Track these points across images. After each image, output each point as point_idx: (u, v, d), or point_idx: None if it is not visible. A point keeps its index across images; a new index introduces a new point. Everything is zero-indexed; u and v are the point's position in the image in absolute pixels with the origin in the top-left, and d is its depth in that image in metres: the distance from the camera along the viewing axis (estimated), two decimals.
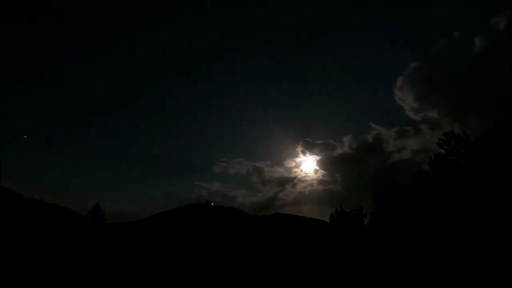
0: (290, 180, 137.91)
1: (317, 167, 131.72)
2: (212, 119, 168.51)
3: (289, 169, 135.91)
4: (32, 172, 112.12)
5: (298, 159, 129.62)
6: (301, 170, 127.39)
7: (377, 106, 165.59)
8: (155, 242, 32.43)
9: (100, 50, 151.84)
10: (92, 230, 30.83)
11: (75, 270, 19.20)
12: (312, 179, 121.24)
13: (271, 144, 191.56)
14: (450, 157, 16.52)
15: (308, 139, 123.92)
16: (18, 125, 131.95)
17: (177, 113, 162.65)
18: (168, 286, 20.01)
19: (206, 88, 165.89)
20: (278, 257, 26.76)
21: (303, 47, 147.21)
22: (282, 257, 26.40)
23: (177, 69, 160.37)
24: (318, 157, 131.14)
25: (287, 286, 20.03)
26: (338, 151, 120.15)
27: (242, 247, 29.88)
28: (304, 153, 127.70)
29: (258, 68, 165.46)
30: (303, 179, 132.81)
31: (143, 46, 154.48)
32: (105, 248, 26.57)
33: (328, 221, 26.85)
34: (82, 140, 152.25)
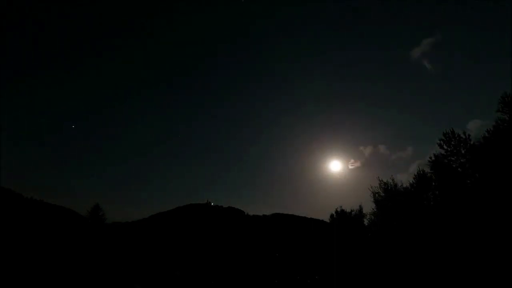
0: None
1: None
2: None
3: None
4: (31, 171, 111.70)
5: None
6: None
7: None
8: (155, 242, 32.43)
9: (104, 49, 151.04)
10: (92, 230, 30.85)
11: (75, 270, 19.20)
12: None
13: None
14: (450, 157, 16.53)
15: None
16: (18, 125, 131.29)
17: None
18: (168, 286, 20.01)
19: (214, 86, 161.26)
20: (278, 257, 26.78)
21: None
22: (282, 257, 26.42)
23: (185, 67, 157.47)
24: None
25: (287, 286, 20.03)
26: None
27: (241, 247, 29.87)
28: None
29: None
30: None
31: (149, 45, 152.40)
32: (105, 248, 26.57)
33: (328, 221, 26.87)
34: (82, 139, 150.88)
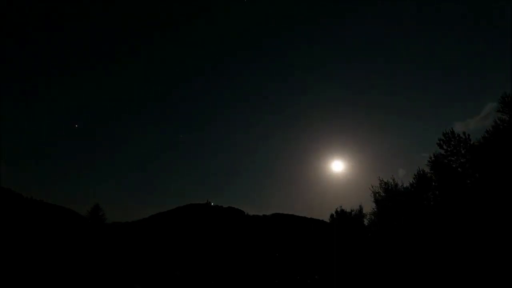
0: None
1: None
2: None
3: None
4: (31, 171, 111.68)
5: None
6: None
7: None
8: (155, 242, 32.44)
9: (105, 49, 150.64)
10: (92, 230, 30.85)
11: (76, 270, 19.20)
12: None
13: None
14: (450, 157, 16.54)
15: None
16: (18, 124, 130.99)
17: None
18: (168, 286, 20.02)
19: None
20: (278, 257, 26.79)
21: None
22: (282, 257, 26.42)
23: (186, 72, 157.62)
24: None
25: (287, 286, 20.04)
26: None
27: (241, 247, 29.88)
28: None
29: None
30: None
31: (150, 46, 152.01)
32: (105, 248, 26.57)
33: (328, 221, 26.89)
34: (83, 140, 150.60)
